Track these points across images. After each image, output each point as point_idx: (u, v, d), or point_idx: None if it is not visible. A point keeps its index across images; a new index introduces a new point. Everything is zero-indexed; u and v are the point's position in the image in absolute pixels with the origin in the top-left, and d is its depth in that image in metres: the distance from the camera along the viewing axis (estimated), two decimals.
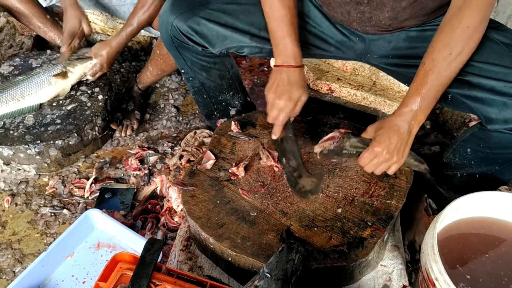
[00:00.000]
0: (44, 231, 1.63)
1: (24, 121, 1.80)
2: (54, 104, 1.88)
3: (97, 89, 1.95)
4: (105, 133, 1.95)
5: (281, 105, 1.26)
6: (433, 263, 1.01)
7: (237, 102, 1.69)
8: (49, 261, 1.44)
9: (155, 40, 2.43)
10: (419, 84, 1.13)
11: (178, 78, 2.32)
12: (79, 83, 1.96)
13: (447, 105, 1.31)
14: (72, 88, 1.94)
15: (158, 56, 1.95)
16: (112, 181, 1.79)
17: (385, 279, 1.18)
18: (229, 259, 1.14)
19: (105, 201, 1.71)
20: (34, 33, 2.39)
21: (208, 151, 1.36)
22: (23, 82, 1.85)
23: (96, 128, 1.88)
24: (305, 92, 1.29)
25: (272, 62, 1.99)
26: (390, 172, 1.20)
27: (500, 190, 1.41)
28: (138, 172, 1.82)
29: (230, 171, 1.30)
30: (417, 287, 1.18)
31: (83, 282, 1.44)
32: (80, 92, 1.93)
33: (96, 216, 1.56)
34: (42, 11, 2.14)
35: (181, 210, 1.60)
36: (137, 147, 1.95)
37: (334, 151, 1.23)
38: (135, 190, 1.76)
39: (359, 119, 1.91)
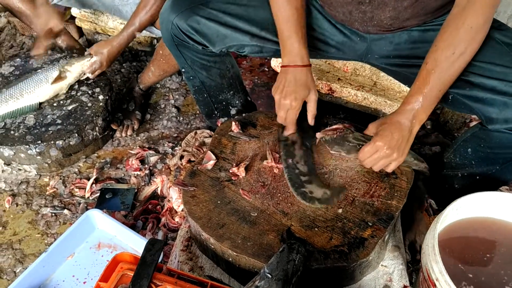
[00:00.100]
0: (44, 231, 1.63)
1: (25, 121, 1.80)
2: (54, 104, 1.88)
3: (97, 89, 1.95)
4: (106, 133, 1.95)
5: (287, 105, 1.27)
6: (433, 263, 1.01)
7: (237, 102, 1.69)
8: (49, 261, 1.44)
9: (156, 40, 2.43)
10: (421, 83, 1.14)
11: (179, 79, 2.32)
12: (80, 83, 1.96)
13: (447, 106, 1.31)
14: (73, 88, 1.94)
15: (160, 57, 1.95)
16: (113, 181, 1.79)
17: (385, 279, 1.18)
18: (230, 259, 1.14)
19: (105, 201, 1.71)
20: (35, 33, 2.39)
21: (209, 151, 1.36)
22: (22, 81, 1.85)
23: (97, 128, 1.88)
24: (313, 91, 1.29)
25: (273, 62, 2.00)
26: (389, 169, 1.20)
27: (500, 190, 1.41)
28: (138, 172, 1.83)
29: (230, 171, 1.30)
30: (418, 287, 1.18)
31: (84, 283, 1.44)
32: (80, 92, 1.93)
33: (97, 216, 1.56)
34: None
35: (182, 211, 1.60)
36: (138, 147, 1.95)
37: (336, 141, 1.23)
38: (136, 190, 1.76)
39: (359, 120, 1.92)
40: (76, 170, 1.86)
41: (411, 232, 1.46)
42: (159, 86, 2.30)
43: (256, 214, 1.19)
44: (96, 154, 1.94)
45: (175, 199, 1.62)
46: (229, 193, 1.25)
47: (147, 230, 1.60)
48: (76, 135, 1.79)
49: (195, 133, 1.88)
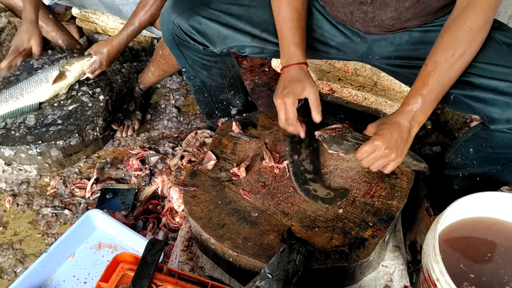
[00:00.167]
0: (45, 232, 1.63)
1: (26, 122, 1.81)
2: (55, 104, 1.88)
3: (98, 90, 1.95)
4: (106, 133, 1.95)
5: (281, 103, 1.26)
6: (434, 263, 1.01)
7: (238, 102, 1.69)
8: (50, 262, 1.44)
9: (156, 40, 2.43)
10: (420, 84, 1.13)
11: (179, 79, 2.32)
12: (81, 83, 1.96)
13: (449, 106, 1.31)
14: (73, 88, 1.94)
15: (160, 57, 1.95)
16: (113, 182, 1.79)
17: (386, 279, 1.18)
18: (230, 259, 1.14)
19: (106, 201, 1.71)
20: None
21: (209, 152, 1.36)
22: (22, 81, 1.86)
23: (97, 128, 1.88)
24: (309, 86, 1.26)
25: (273, 62, 2.00)
26: (386, 171, 1.19)
27: (501, 191, 1.41)
28: (139, 173, 1.83)
29: (231, 171, 1.30)
30: (418, 287, 1.18)
31: (85, 283, 1.44)
32: (81, 93, 1.93)
33: (97, 216, 1.56)
34: (45, 11, 2.14)
35: (182, 211, 1.60)
36: (138, 147, 1.95)
37: (334, 140, 1.23)
38: (136, 190, 1.76)
39: (360, 120, 1.92)
40: (77, 170, 1.86)
41: (411, 232, 1.46)
42: (159, 86, 2.30)
43: (256, 214, 1.19)
44: (96, 154, 1.94)
45: (175, 199, 1.62)
46: (230, 193, 1.25)
47: (148, 230, 1.60)
48: (77, 135, 1.79)
49: (196, 133, 1.88)
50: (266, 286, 0.95)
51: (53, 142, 1.75)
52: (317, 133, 1.30)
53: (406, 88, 1.75)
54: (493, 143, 1.23)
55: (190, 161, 1.72)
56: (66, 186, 1.79)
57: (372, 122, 1.24)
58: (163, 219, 1.62)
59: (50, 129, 1.78)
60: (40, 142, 1.73)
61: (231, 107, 1.70)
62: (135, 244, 1.51)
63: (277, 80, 2.38)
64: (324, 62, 1.93)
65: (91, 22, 2.37)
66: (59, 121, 1.81)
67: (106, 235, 1.57)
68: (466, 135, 1.33)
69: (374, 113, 1.85)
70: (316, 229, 1.15)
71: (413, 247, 1.45)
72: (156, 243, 1.07)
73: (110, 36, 2.35)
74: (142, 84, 2.10)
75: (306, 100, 1.27)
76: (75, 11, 2.37)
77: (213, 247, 1.16)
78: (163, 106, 2.19)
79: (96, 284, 1.03)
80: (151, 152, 1.91)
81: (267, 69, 2.46)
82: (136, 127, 2.05)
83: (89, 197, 1.74)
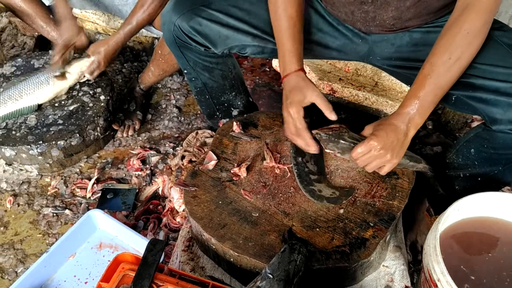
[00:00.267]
0: (46, 232, 1.63)
1: (26, 122, 1.81)
2: (56, 104, 1.89)
3: (99, 90, 1.95)
4: (107, 133, 1.96)
5: (288, 117, 1.25)
6: (435, 263, 1.01)
7: (239, 103, 1.69)
8: (51, 262, 1.44)
9: (156, 40, 2.43)
10: (418, 87, 1.13)
11: (180, 79, 2.32)
12: (81, 83, 1.96)
13: (450, 107, 1.31)
14: (74, 88, 1.94)
15: (159, 57, 1.95)
16: (114, 182, 1.79)
17: (387, 279, 1.18)
18: (231, 259, 1.13)
19: (107, 201, 1.71)
20: (36, 33, 2.39)
21: (210, 152, 1.36)
22: (21, 83, 1.86)
23: (98, 128, 1.88)
24: (311, 91, 1.24)
25: (274, 62, 2.00)
26: (382, 172, 1.19)
27: (502, 191, 1.40)
28: (140, 173, 1.83)
29: (232, 171, 1.30)
30: (419, 287, 1.18)
31: (85, 283, 1.44)
32: (82, 93, 1.93)
33: (98, 216, 1.56)
34: (46, 11, 2.14)
35: (183, 211, 1.60)
36: (139, 147, 1.95)
37: (331, 139, 1.22)
38: (137, 190, 1.76)
39: (361, 120, 1.91)
40: (78, 170, 1.86)
41: (412, 232, 1.46)
42: (160, 86, 2.30)
43: (257, 214, 1.19)
44: (97, 154, 1.94)
45: (176, 199, 1.62)
46: (231, 193, 1.25)
47: (148, 230, 1.60)
48: (78, 135, 1.79)
49: (196, 133, 1.88)
50: (267, 286, 0.95)
51: (54, 142, 1.75)
52: (314, 131, 1.29)
53: (407, 88, 1.75)
54: (494, 143, 1.23)
55: (191, 161, 1.72)
56: (67, 186, 1.79)
57: (370, 124, 1.24)
58: (164, 219, 1.62)
59: (51, 129, 1.78)
60: (41, 142, 1.73)
61: (232, 109, 1.70)
62: (136, 244, 1.51)
63: (278, 80, 2.40)
64: (325, 62, 1.93)
65: (92, 22, 2.37)
66: (60, 121, 1.81)
67: (107, 235, 1.57)
68: (467, 135, 1.33)
69: (375, 113, 1.85)
70: (317, 229, 1.15)
71: (414, 247, 1.44)
72: (157, 243, 1.07)
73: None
74: (143, 84, 2.10)
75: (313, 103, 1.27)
76: (75, 12, 2.37)
77: (214, 247, 1.16)
78: (163, 106, 2.19)
79: (97, 284, 1.03)
80: (152, 152, 1.91)
81: (267, 69, 2.46)
82: (137, 127, 2.05)
83: (90, 197, 1.74)
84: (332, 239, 1.12)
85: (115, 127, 2.00)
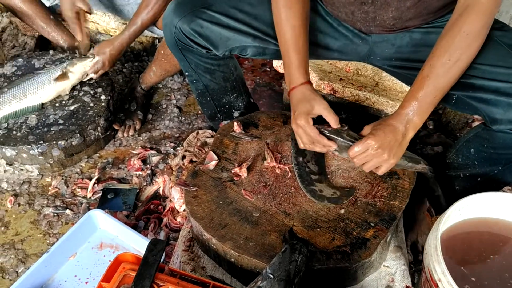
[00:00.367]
0: (47, 231, 1.63)
1: (27, 122, 1.81)
2: (57, 104, 1.89)
3: (99, 90, 1.95)
4: (108, 133, 1.96)
5: (299, 129, 1.24)
6: (436, 264, 1.01)
7: (240, 104, 1.70)
8: (52, 262, 1.44)
9: (157, 40, 2.43)
10: (417, 88, 1.13)
11: (181, 79, 2.32)
12: (82, 83, 1.96)
13: (450, 107, 1.31)
14: (75, 88, 1.94)
15: (162, 57, 1.95)
16: (115, 182, 1.79)
17: (388, 279, 1.18)
18: (232, 259, 1.14)
19: (107, 201, 1.71)
20: (37, 33, 2.39)
21: (211, 152, 1.36)
22: (25, 82, 1.86)
23: (99, 128, 1.88)
24: (318, 103, 1.23)
25: (275, 62, 2.00)
26: (379, 172, 1.19)
27: (503, 191, 1.40)
28: (140, 173, 1.83)
29: (232, 171, 1.30)
30: (420, 287, 1.18)
31: (86, 283, 1.44)
32: (82, 93, 1.93)
33: (99, 216, 1.56)
34: (46, 11, 2.14)
35: (184, 211, 1.60)
36: (140, 147, 1.95)
37: (330, 136, 1.22)
38: (138, 190, 1.76)
39: (361, 120, 1.91)
40: (78, 170, 1.86)
41: (413, 232, 1.46)
42: (161, 86, 2.30)
43: (258, 214, 1.19)
44: (98, 154, 1.94)
45: (177, 199, 1.62)
46: (231, 193, 1.25)
47: (149, 230, 1.60)
48: (78, 135, 1.79)
49: (197, 133, 1.88)
50: (268, 286, 0.95)
51: (54, 142, 1.75)
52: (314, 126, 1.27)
53: (408, 88, 1.75)
54: (494, 143, 1.23)
55: (191, 161, 1.72)
56: (67, 186, 1.79)
57: (369, 124, 1.24)
58: (165, 219, 1.62)
59: (51, 129, 1.78)
60: (41, 142, 1.73)
61: (234, 110, 1.70)
62: (137, 244, 1.51)
63: (278, 80, 2.40)
64: (326, 62, 1.92)
65: (93, 22, 2.37)
66: (61, 121, 1.81)
67: (108, 235, 1.57)
68: (467, 135, 1.33)
69: (376, 113, 1.84)
70: (318, 229, 1.15)
71: (414, 248, 1.44)
72: (158, 243, 1.07)
73: (111, 36, 2.35)
74: (144, 84, 2.10)
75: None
76: None
77: (214, 247, 1.16)
78: (164, 106, 2.19)
79: (97, 284, 1.03)
80: (153, 152, 1.91)
81: (268, 69, 2.46)
82: (138, 127, 2.05)
83: (90, 197, 1.75)
84: (333, 239, 1.12)
85: (115, 127, 2.00)
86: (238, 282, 1.20)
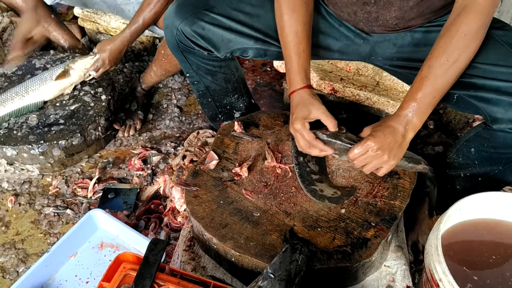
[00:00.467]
0: (47, 231, 1.63)
1: (28, 121, 1.81)
2: (57, 104, 1.89)
3: (100, 89, 1.95)
4: (108, 133, 1.96)
5: (296, 133, 1.24)
6: (437, 263, 1.01)
7: (241, 105, 1.70)
8: (52, 261, 1.44)
9: (158, 40, 2.43)
10: (415, 89, 1.13)
11: (181, 78, 2.32)
12: (83, 83, 1.96)
13: (452, 106, 1.31)
14: (76, 88, 1.94)
15: (162, 56, 1.95)
16: (115, 181, 1.79)
17: (388, 279, 1.18)
18: (233, 259, 1.13)
19: (108, 201, 1.71)
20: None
21: (211, 151, 1.36)
22: (27, 80, 1.87)
23: (99, 128, 1.88)
24: (316, 108, 1.23)
25: (275, 62, 2.00)
26: (380, 173, 1.19)
27: (503, 191, 1.40)
28: (141, 172, 1.83)
29: (233, 171, 1.30)
30: (421, 287, 1.18)
31: (87, 282, 1.44)
32: (83, 92, 1.93)
33: (99, 216, 1.56)
34: (47, 10, 2.14)
35: (184, 210, 1.60)
36: (140, 147, 1.95)
37: (328, 140, 1.22)
38: (138, 190, 1.76)
39: (362, 120, 1.91)
40: (79, 170, 1.86)
41: (413, 232, 1.46)
42: (161, 86, 2.30)
43: (259, 214, 1.19)
44: (98, 154, 1.94)
45: (177, 199, 1.62)
46: (232, 193, 1.25)
47: (150, 230, 1.60)
48: (79, 135, 1.79)
49: (198, 133, 1.88)
50: (269, 286, 0.95)
51: (55, 142, 1.75)
52: (312, 131, 1.27)
53: (409, 88, 1.75)
54: (495, 143, 1.23)
55: (192, 161, 1.72)
56: (68, 186, 1.79)
57: (368, 126, 1.24)
58: (165, 219, 1.62)
59: (52, 128, 1.78)
60: (42, 141, 1.73)
61: (235, 111, 1.70)
62: (137, 244, 1.51)
63: (279, 80, 2.40)
64: (326, 62, 1.92)
65: (93, 21, 2.38)
66: (61, 121, 1.81)
67: (108, 235, 1.57)
68: (468, 135, 1.33)
69: (377, 113, 1.84)
70: (319, 229, 1.14)
71: (415, 247, 1.44)
72: (158, 243, 1.07)
73: (112, 35, 2.35)
74: (144, 84, 2.10)
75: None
76: (77, 11, 2.38)
77: (215, 247, 1.16)
78: (165, 105, 2.20)
79: (98, 284, 1.03)
80: (153, 151, 1.91)
81: (269, 69, 2.46)
82: (138, 126, 2.05)
83: (91, 197, 1.75)
84: (334, 239, 1.12)
85: (116, 126, 2.00)
86: (238, 282, 1.20)
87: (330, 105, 1.90)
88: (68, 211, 1.68)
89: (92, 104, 1.89)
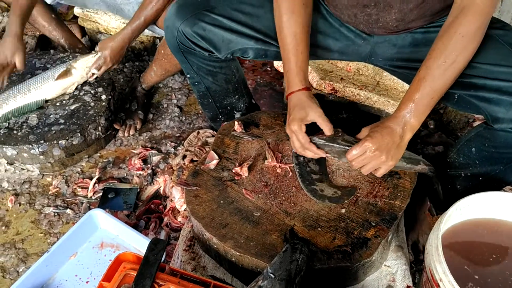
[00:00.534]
0: (47, 231, 1.63)
1: (28, 121, 1.81)
2: (57, 104, 1.89)
3: (100, 89, 1.95)
4: (109, 133, 1.96)
5: (292, 134, 1.24)
6: (437, 263, 1.00)
7: (242, 105, 1.70)
8: (52, 261, 1.44)
9: (158, 40, 2.43)
10: (413, 90, 1.13)
11: (181, 78, 2.32)
12: (83, 83, 1.96)
13: (452, 106, 1.30)
14: (76, 88, 1.94)
15: (162, 56, 1.95)
16: (115, 181, 1.79)
17: (389, 279, 1.18)
18: (233, 259, 1.13)
19: (108, 201, 1.71)
20: (38, 33, 2.40)
21: (212, 151, 1.36)
22: (29, 78, 1.88)
23: (100, 128, 1.88)
24: (313, 110, 1.23)
25: (275, 62, 2.00)
26: (378, 174, 1.19)
27: (504, 191, 1.40)
28: (141, 172, 1.83)
29: (233, 171, 1.30)
30: (421, 287, 1.18)
31: (87, 282, 1.44)
32: (83, 92, 1.93)
33: (100, 216, 1.56)
34: (47, 10, 2.14)
35: (185, 210, 1.60)
36: (140, 147, 1.95)
37: (326, 143, 1.22)
38: (138, 190, 1.76)
39: (362, 120, 1.91)
40: (79, 169, 1.86)
41: (414, 232, 1.46)
42: (161, 85, 2.30)
43: (259, 214, 1.19)
44: (98, 154, 1.94)
45: (177, 198, 1.62)
46: (232, 192, 1.25)
47: (150, 229, 1.60)
48: (79, 134, 1.79)
49: (198, 132, 1.88)
50: (269, 286, 0.95)
51: (55, 142, 1.75)
52: (309, 137, 1.28)
53: None
54: (496, 142, 1.23)
55: (192, 161, 1.72)
56: (68, 186, 1.79)
57: (366, 126, 1.24)
58: (165, 219, 1.62)
59: (52, 128, 1.78)
60: (42, 141, 1.73)
61: (235, 111, 1.70)
62: (137, 243, 1.51)
63: (279, 80, 2.40)
64: (327, 62, 1.92)
65: (93, 21, 2.37)
66: (62, 121, 1.81)
67: (108, 235, 1.57)
68: (469, 134, 1.33)
69: (377, 112, 1.84)
70: (319, 228, 1.14)
71: (415, 247, 1.44)
72: (158, 243, 1.07)
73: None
74: (145, 83, 2.10)
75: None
76: (77, 11, 2.38)
77: (215, 246, 1.16)
78: (165, 105, 2.20)
79: (98, 284, 1.03)
80: (153, 151, 1.91)
81: (269, 69, 2.46)
82: (138, 126, 2.05)
83: (91, 197, 1.75)
84: (334, 238, 1.12)
85: (116, 126, 2.00)
86: (239, 282, 1.20)
87: (331, 105, 1.91)
88: (68, 211, 1.68)
89: (92, 104, 1.89)
